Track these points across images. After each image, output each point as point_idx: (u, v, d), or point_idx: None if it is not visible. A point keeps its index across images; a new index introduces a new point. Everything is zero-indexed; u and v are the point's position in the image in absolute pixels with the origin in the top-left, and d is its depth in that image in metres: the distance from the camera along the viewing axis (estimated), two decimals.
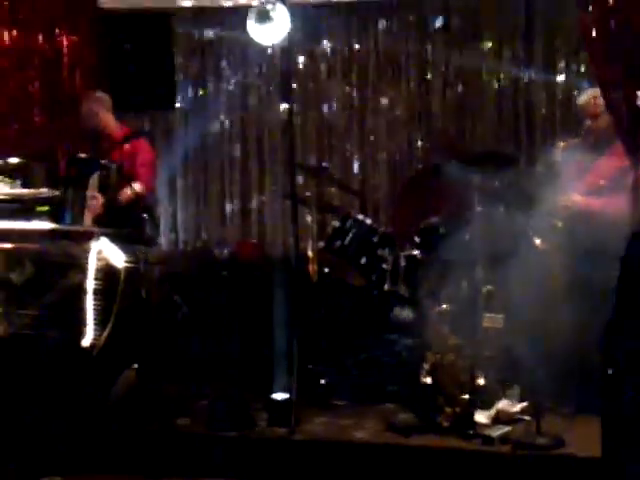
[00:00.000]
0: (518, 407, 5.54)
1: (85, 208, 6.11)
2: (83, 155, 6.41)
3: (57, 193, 6.24)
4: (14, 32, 7.37)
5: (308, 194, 6.38)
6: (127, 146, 6.53)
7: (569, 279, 5.40)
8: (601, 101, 5.38)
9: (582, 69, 7.09)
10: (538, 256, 5.57)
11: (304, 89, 7.73)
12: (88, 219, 6.05)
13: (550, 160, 5.81)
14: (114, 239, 5.62)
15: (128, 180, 6.34)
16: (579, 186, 5.76)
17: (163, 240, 7.91)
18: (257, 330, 6.47)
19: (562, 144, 5.85)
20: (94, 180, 6.20)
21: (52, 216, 6.04)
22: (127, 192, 6.30)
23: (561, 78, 7.26)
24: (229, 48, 7.89)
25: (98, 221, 6.03)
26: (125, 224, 6.05)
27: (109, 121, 6.66)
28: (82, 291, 5.31)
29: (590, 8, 4.86)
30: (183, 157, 8.00)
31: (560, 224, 5.63)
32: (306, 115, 7.74)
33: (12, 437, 5.16)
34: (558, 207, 5.71)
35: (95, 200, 6.15)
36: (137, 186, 6.36)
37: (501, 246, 5.75)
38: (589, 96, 5.82)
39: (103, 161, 6.29)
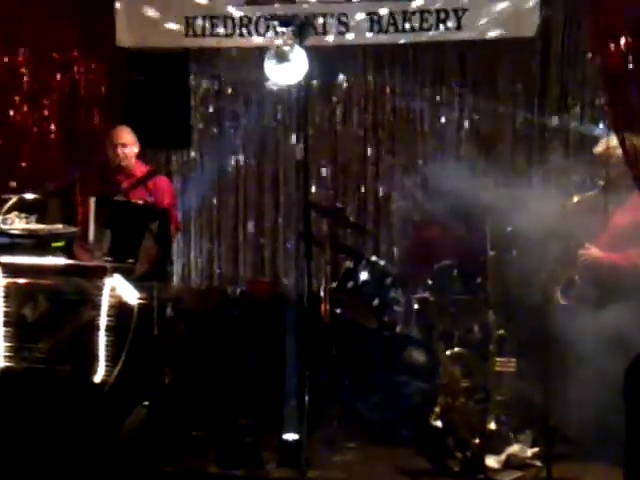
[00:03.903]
0: (529, 452, 5.52)
1: (138, 259, 6.03)
2: (124, 200, 6.42)
3: (73, 229, 6.27)
4: (32, 69, 7.44)
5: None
6: (150, 184, 6.63)
7: (587, 329, 5.37)
8: (617, 151, 5.38)
9: (597, 115, 7.08)
10: (558, 307, 5.56)
11: (320, 130, 7.75)
12: (142, 269, 5.90)
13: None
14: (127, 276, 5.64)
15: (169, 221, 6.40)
16: (598, 239, 5.75)
17: (176, 277, 7.93)
18: (268, 369, 6.45)
19: (576, 198, 5.82)
20: (153, 230, 6.15)
21: (67, 252, 6.06)
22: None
23: (576, 124, 7.25)
24: (246, 88, 7.92)
25: (151, 270, 5.98)
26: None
27: (133, 158, 6.80)
28: (95, 327, 5.30)
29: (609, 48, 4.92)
30: (197, 195, 8.02)
31: (577, 277, 5.63)
32: (321, 156, 7.76)
33: (23, 471, 5.15)
34: (577, 261, 5.70)
35: (152, 251, 6.15)
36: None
37: (512, 291, 5.76)
38: (604, 146, 5.80)
39: (152, 207, 6.31)
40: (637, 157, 4.78)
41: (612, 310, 5.25)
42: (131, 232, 6.13)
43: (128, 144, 6.74)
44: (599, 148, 5.92)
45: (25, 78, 7.40)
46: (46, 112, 7.50)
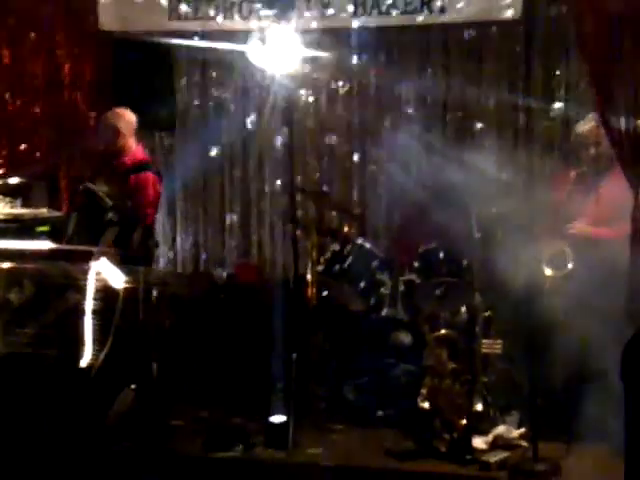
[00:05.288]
0: (516, 433, 5.55)
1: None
2: (101, 192, 6.27)
3: (58, 213, 6.24)
4: (16, 53, 7.41)
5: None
6: (132, 178, 6.40)
7: (574, 306, 5.39)
8: (601, 130, 5.40)
9: (581, 97, 7.08)
10: (544, 282, 5.58)
11: (305, 113, 7.72)
12: None
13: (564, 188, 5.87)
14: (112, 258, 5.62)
15: (137, 223, 6.30)
16: (585, 214, 5.79)
17: (162, 261, 7.92)
18: (255, 353, 6.46)
19: (573, 173, 5.89)
20: (110, 234, 6.05)
21: (52, 236, 6.04)
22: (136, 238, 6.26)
23: (560, 106, 7.25)
24: (230, 71, 7.88)
25: None
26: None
27: (129, 143, 6.56)
28: (80, 311, 5.30)
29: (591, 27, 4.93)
30: (183, 179, 7.99)
31: (568, 250, 5.66)
32: (307, 139, 7.73)
33: (9, 456, 5.15)
34: (567, 235, 5.74)
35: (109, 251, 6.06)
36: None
37: (500, 271, 5.78)
38: (591, 125, 5.83)
39: (117, 209, 6.14)
40: (621, 137, 4.81)
41: (598, 283, 5.28)
42: (94, 222, 6.06)
43: (109, 129, 6.55)
44: (585, 127, 5.95)
45: (8, 61, 7.37)
46: (30, 96, 7.48)
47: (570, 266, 5.63)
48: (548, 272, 5.67)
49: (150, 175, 6.50)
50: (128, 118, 6.58)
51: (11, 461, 5.13)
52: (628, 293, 4.99)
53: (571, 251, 5.67)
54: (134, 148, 6.59)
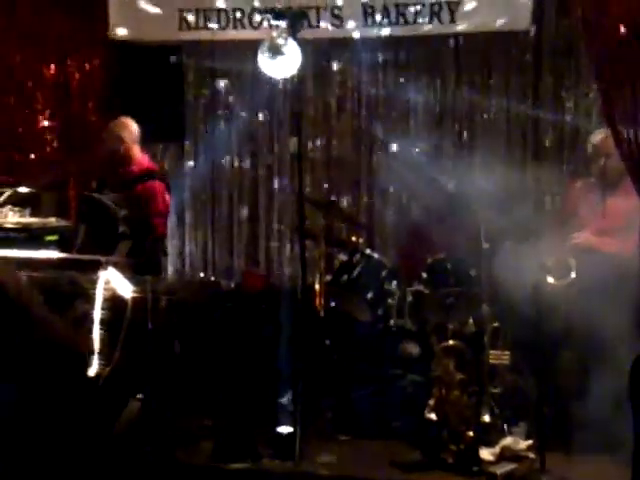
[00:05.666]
0: (523, 444, 5.52)
1: None
2: (108, 202, 6.25)
3: (66, 223, 6.25)
4: (25, 62, 7.44)
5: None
6: (139, 187, 6.41)
7: (581, 316, 5.37)
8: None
9: (590, 108, 7.08)
10: (549, 292, 5.57)
11: (314, 123, 7.74)
12: None
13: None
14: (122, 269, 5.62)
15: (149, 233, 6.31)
16: (592, 225, 5.78)
17: (170, 270, 7.92)
18: (262, 362, 6.46)
19: (579, 183, 5.88)
20: (124, 247, 6.05)
21: (60, 245, 6.05)
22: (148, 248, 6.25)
23: (569, 118, 7.25)
24: (240, 81, 7.90)
25: None
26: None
27: (134, 151, 6.58)
28: (89, 320, 5.29)
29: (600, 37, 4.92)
30: (192, 188, 8.01)
31: (573, 261, 5.65)
32: (315, 149, 7.74)
33: (17, 466, 5.14)
34: (571, 245, 5.74)
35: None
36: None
37: (507, 282, 5.77)
38: (604, 135, 5.82)
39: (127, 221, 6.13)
40: (630, 149, 4.79)
41: (603, 294, 5.27)
42: (103, 232, 6.07)
43: (113, 138, 6.57)
44: (597, 137, 5.94)
45: (18, 70, 7.40)
46: (40, 105, 7.51)
47: (573, 275, 5.62)
48: (550, 281, 5.66)
49: (157, 184, 6.51)
50: (131, 127, 6.61)
51: (17, 471, 5.13)
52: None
53: (574, 261, 5.66)
54: (139, 156, 6.61)
